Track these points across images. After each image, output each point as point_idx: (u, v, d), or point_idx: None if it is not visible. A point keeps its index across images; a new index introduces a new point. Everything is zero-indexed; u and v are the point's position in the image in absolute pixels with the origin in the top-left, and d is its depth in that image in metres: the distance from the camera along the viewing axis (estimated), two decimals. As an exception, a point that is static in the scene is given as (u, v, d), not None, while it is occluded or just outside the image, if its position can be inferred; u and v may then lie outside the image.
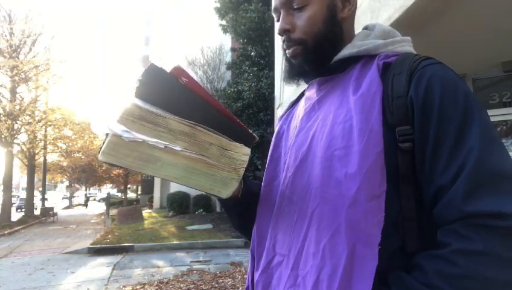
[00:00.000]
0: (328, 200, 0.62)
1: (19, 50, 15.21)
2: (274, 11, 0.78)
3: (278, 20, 0.76)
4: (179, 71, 0.66)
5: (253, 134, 0.74)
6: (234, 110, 10.82)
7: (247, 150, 0.70)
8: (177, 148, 0.63)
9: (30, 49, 15.83)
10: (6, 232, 12.27)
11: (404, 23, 2.70)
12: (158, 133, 0.63)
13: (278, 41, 7.55)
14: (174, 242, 8.67)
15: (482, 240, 0.50)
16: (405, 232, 0.58)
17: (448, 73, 0.61)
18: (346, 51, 0.73)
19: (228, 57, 14.16)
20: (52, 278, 5.94)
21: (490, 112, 4.09)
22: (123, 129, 0.60)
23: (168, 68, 0.66)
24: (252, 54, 11.99)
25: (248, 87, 10.87)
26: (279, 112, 7.26)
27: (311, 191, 0.66)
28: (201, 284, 5.24)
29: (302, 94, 0.88)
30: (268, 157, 0.86)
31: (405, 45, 0.73)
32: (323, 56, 0.74)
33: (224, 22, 12.71)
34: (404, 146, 0.59)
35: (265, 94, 10.56)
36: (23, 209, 18.26)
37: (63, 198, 43.70)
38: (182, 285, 5.25)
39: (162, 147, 0.62)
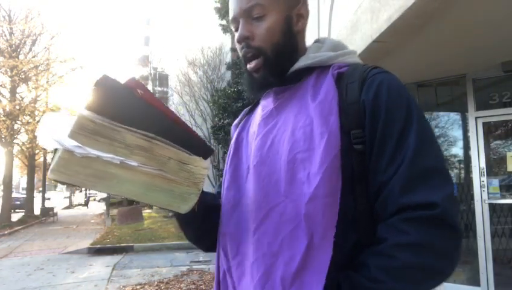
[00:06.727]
0: (291, 200, 0.66)
1: (18, 50, 15.21)
2: (232, 21, 0.81)
3: (236, 30, 0.80)
4: (134, 83, 0.62)
5: (211, 146, 0.73)
6: (234, 110, 10.81)
7: (206, 163, 0.69)
8: (134, 163, 0.60)
9: (30, 49, 15.84)
10: (6, 232, 12.28)
11: (404, 23, 2.70)
12: (114, 149, 0.59)
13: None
14: (174, 242, 8.66)
15: (416, 232, 0.57)
16: (360, 227, 0.65)
17: (394, 81, 0.69)
18: (301, 62, 0.78)
19: (228, 57, 14.13)
20: (52, 278, 5.94)
21: (490, 112, 4.09)
22: (75, 145, 0.56)
23: (123, 80, 0.62)
24: (252, 54, 11.97)
25: (248, 87, 10.87)
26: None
27: (273, 191, 0.69)
28: (201, 284, 5.25)
29: (257, 103, 0.93)
30: (227, 162, 0.87)
31: (353, 57, 0.81)
32: (283, 66, 0.79)
33: (224, 22, 12.69)
34: (357, 148, 0.66)
35: (265, 94, 10.57)
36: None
37: (65, 197, 44.19)
38: (181, 285, 5.25)
39: (118, 162, 0.59)
